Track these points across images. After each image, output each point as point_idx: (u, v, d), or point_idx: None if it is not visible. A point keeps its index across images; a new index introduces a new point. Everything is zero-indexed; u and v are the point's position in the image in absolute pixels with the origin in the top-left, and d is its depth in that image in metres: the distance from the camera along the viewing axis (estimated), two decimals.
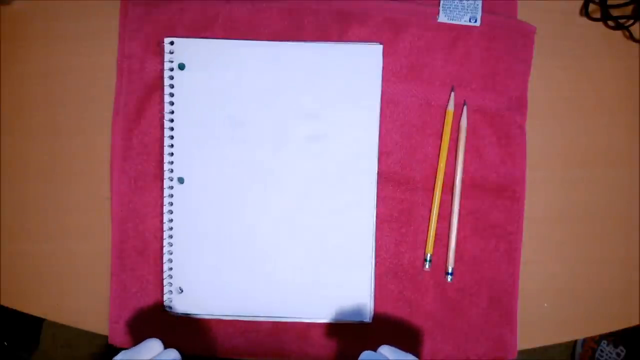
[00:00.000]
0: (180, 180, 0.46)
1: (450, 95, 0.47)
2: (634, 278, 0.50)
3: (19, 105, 0.49)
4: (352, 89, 0.47)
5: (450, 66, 0.48)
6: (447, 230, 0.48)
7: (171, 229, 0.47)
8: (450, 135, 0.47)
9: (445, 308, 0.48)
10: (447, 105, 0.47)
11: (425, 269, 0.48)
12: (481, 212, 0.48)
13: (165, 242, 0.47)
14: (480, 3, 0.47)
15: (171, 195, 0.47)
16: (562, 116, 0.50)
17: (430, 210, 0.48)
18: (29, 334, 1.02)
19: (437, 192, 0.47)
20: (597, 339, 1.02)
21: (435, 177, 0.47)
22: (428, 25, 0.47)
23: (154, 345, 0.37)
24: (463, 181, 0.47)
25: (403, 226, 0.48)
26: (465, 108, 0.47)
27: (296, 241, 0.47)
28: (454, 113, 0.47)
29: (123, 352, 0.35)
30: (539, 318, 0.49)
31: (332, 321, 0.47)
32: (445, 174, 0.47)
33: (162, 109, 0.47)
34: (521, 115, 0.48)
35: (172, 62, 0.46)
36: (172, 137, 0.47)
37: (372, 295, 0.47)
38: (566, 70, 0.50)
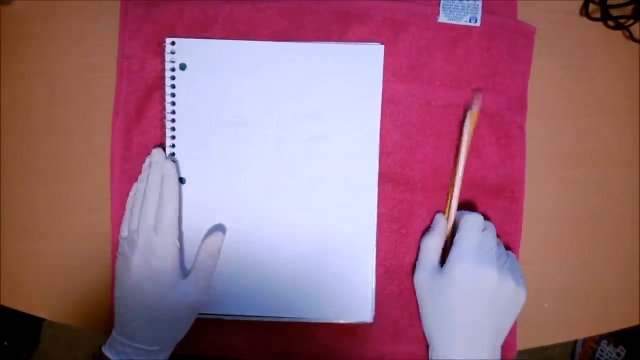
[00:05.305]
0: (182, 181, 0.46)
1: (476, 97, 0.45)
2: (634, 278, 0.50)
3: (19, 105, 0.49)
4: (352, 89, 0.47)
5: (450, 66, 0.48)
6: None
7: None
8: (457, 136, 0.47)
9: None
10: (471, 107, 0.45)
11: None
12: (480, 212, 0.48)
13: None
14: (480, 3, 0.47)
15: None
16: (562, 116, 0.50)
17: (429, 210, 0.47)
18: (29, 334, 1.02)
19: (455, 194, 0.46)
20: (597, 339, 1.02)
21: (450, 179, 0.47)
22: (428, 25, 0.47)
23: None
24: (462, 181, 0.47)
25: (403, 226, 0.48)
26: (469, 112, 0.46)
27: (297, 241, 0.47)
28: (464, 114, 0.46)
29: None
30: (539, 318, 0.49)
31: (332, 321, 0.47)
32: (444, 174, 0.47)
33: (163, 109, 0.47)
34: (521, 115, 0.48)
35: (173, 62, 0.46)
36: (173, 137, 0.46)
37: (374, 295, 0.47)
38: (566, 70, 0.50)
